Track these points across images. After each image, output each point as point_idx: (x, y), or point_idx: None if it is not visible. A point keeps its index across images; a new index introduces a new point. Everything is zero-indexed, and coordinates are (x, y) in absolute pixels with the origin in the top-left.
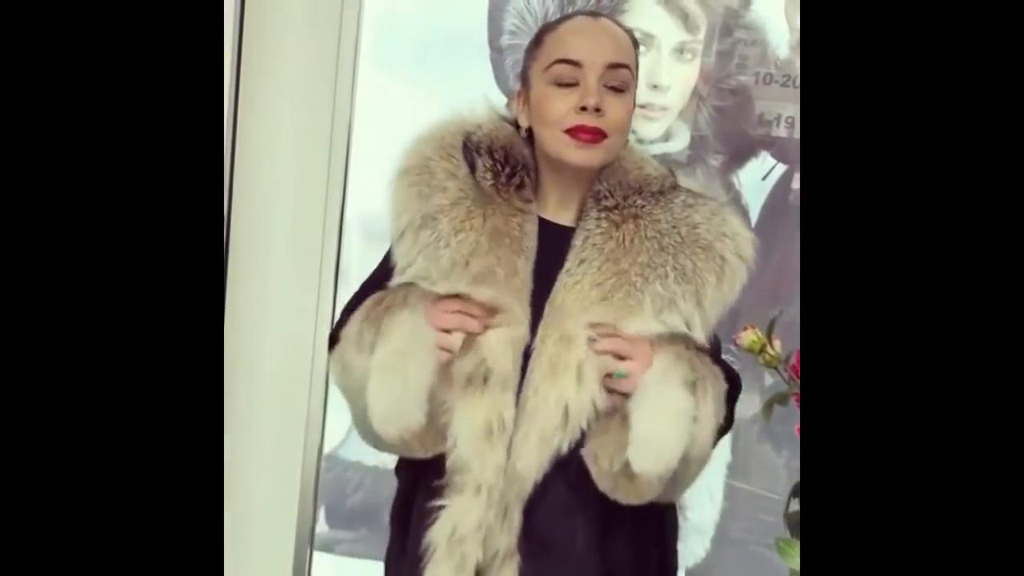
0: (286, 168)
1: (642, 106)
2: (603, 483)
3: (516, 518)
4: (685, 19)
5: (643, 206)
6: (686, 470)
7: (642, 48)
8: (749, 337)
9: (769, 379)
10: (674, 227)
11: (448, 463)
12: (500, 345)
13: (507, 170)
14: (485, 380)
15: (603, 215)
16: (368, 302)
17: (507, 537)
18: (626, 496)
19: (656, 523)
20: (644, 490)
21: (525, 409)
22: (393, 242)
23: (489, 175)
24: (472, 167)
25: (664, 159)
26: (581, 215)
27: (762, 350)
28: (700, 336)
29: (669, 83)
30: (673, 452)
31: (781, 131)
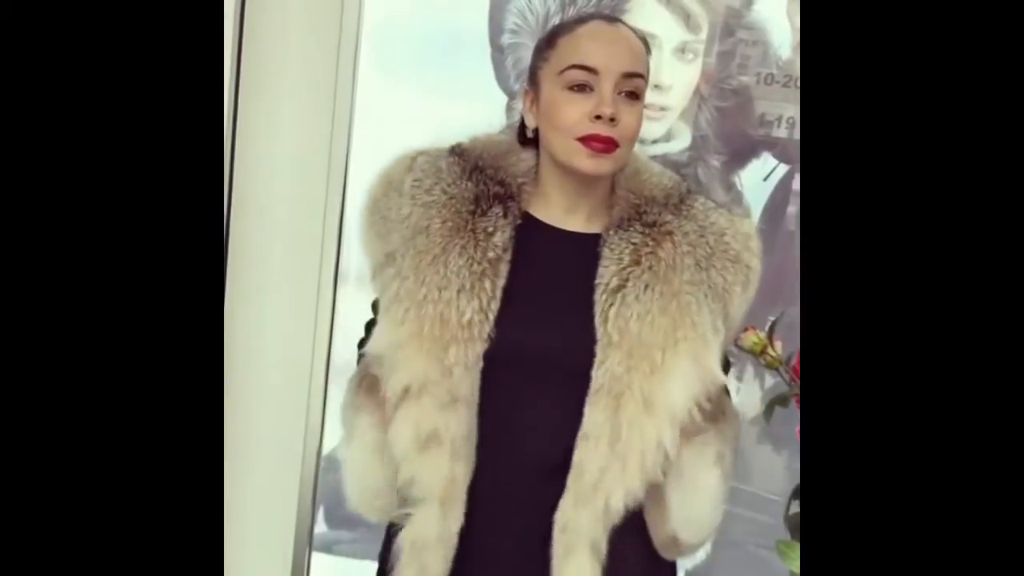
0: (286, 168)
1: (644, 106)
2: (658, 545)
3: (603, 547)
4: (687, 19)
5: (671, 220)
6: None
7: None
8: (750, 338)
9: (770, 380)
10: (701, 236)
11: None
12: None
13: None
14: (418, 396)
15: (646, 231)
16: (354, 376)
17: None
18: (679, 555)
19: None
20: (690, 551)
21: (617, 444)
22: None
23: (452, 187)
24: (438, 178)
25: (665, 159)
26: (610, 226)
27: (763, 351)
28: (720, 355)
29: (670, 83)
30: (713, 523)
31: (782, 132)
